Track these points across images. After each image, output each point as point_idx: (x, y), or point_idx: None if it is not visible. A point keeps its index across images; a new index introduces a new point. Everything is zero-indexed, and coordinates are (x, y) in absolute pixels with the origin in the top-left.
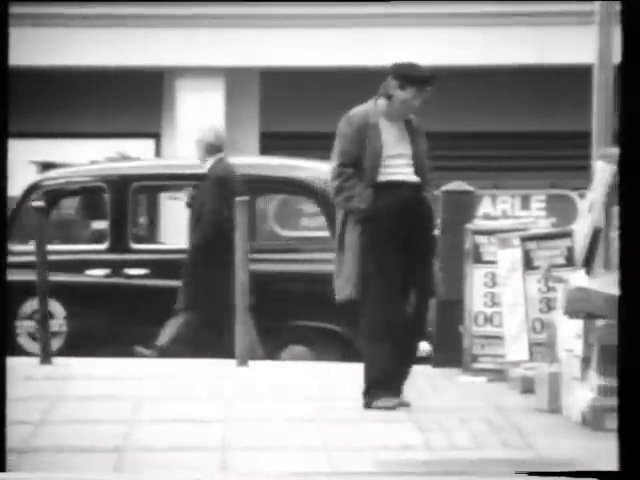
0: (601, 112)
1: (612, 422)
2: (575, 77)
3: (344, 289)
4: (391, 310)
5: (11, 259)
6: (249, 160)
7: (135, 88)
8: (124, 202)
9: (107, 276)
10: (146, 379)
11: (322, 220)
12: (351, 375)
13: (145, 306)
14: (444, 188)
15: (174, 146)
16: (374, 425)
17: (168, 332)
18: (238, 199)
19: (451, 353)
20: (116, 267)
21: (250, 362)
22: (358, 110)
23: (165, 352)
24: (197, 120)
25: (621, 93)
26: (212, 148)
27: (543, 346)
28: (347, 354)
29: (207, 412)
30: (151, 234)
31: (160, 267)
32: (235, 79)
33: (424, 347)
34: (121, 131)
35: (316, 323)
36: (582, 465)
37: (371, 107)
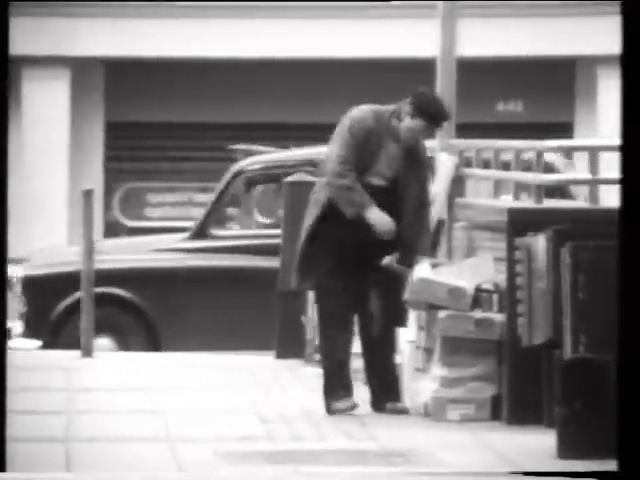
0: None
1: (453, 413)
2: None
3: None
4: (343, 305)
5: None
6: None
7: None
8: None
9: None
10: None
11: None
12: (196, 365)
13: None
14: (288, 179)
15: None
16: (217, 416)
17: None
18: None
19: (294, 344)
20: None
21: (95, 353)
22: (372, 113)
23: None
24: None
25: (622, 93)
26: None
27: None
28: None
29: (50, 403)
30: None
31: None
32: (80, 69)
33: None
34: None
35: None
36: (425, 456)
37: (384, 115)
